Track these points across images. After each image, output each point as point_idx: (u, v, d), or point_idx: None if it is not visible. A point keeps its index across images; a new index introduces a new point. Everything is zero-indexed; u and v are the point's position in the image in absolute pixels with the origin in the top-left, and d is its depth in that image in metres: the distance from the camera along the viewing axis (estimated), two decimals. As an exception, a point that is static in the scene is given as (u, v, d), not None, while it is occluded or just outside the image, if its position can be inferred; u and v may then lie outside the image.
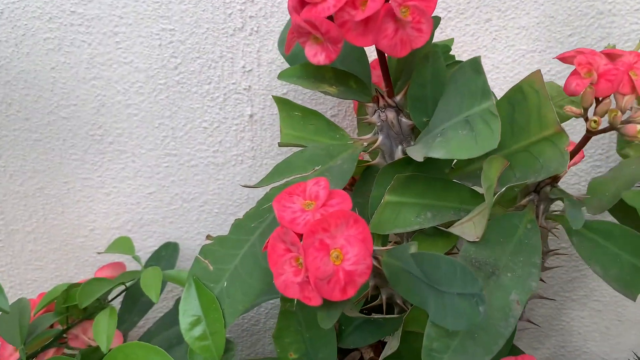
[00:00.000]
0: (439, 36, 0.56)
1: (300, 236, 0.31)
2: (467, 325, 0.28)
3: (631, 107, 0.33)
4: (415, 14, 0.32)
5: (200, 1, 0.54)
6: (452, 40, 0.51)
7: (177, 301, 0.56)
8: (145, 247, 0.63)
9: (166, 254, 0.58)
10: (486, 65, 0.57)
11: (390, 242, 0.42)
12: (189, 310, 0.37)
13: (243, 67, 0.56)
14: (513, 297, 0.32)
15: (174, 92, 0.56)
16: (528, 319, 0.47)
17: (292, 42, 0.35)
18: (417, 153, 0.34)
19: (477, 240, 0.33)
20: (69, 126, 0.57)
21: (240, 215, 0.63)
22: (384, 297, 0.39)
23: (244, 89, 0.57)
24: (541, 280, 0.62)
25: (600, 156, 0.59)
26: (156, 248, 0.61)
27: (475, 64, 0.34)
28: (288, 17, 0.54)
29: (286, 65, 0.55)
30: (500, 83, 0.57)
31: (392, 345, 0.37)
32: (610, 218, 0.45)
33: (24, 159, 0.58)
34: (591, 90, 0.33)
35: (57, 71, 0.55)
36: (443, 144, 0.32)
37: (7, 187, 0.58)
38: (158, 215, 0.61)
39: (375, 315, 0.38)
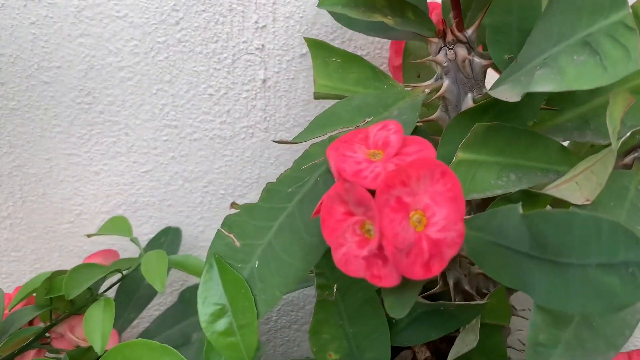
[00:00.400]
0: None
1: (373, 194, 0.23)
2: (610, 309, 0.21)
3: None
4: None
5: None
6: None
7: (182, 294, 0.49)
8: (141, 234, 0.56)
9: (166, 240, 0.52)
10: None
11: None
12: (211, 298, 0.29)
13: (256, 22, 0.49)
14: (639, 274, 0.24)
15: (174, 52, 0.49)
16: None
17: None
18: (509, 92, 0.27)
19: (588, 203, 0.26)
20: (52, 92, 0.50)
21: (252, 196, 0.55)
22: (450, 283, 0.31)
23: (257, 48, 0.50)
24: None
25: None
26: (153, 235, 0.55)
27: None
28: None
29: (306, 19, 0.48)
30: None
31: (469, 340, 0.30)
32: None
33: (-2, 131, 0.51)
34: None
35: (37, 27, 0.48)
36: (550, 76, 0.25)
37: (-22, 164, 0.52)
38: (155, 198, 0.55)
39: (445, 303, 0.31)
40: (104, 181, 0.53)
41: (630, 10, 0.23)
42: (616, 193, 0.28)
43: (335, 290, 0.34)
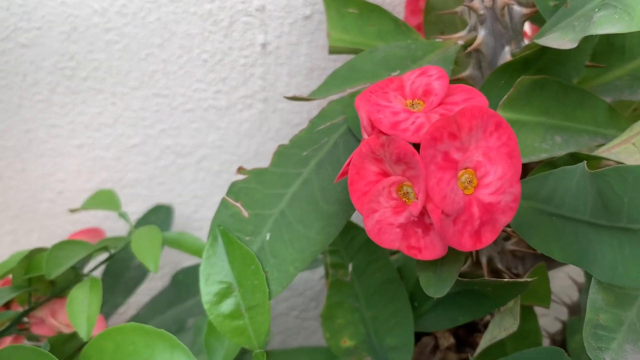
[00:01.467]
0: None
1: (418, 147, 0.19)
2: None
3: None
4: None
5: None
6: None
7: (174, 277, 0.46)
8: (129, 213, 0.53)
9: (157, 219, 0.49)
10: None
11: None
12: (215, 275, 0.25)
13: (256, -20, 0.46)
14: None
15: (166, 12, 0.46)
16: None
17: None
18: (561, 39, 0.23)
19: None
20: (31, 57, 0.47)
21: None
22: (484, 260, 0.28)
23: (256, 9, 0.46)
24: None
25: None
26: (141, 215, 0.52)
27: None
28: None
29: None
30: None
31: (507, 324, 0.26)
32: None
33: (-29, 99, 0.48)
34: None
35: None
36: (615, 16, 0.22)
37: (-51, 136, 0.49)
38: (144, 174, 0.52)
39: (482, 281, 0.28)
40: (87, 155, 0.51)
41: None
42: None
43: (350, 269, 0.31)
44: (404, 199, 0.21)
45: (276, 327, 0.58)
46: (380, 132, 0.20)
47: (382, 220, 0.21)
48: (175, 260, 0.54)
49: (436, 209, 0.19)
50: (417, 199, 0.20)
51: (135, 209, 0.53)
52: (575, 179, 0.21)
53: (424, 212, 0.20)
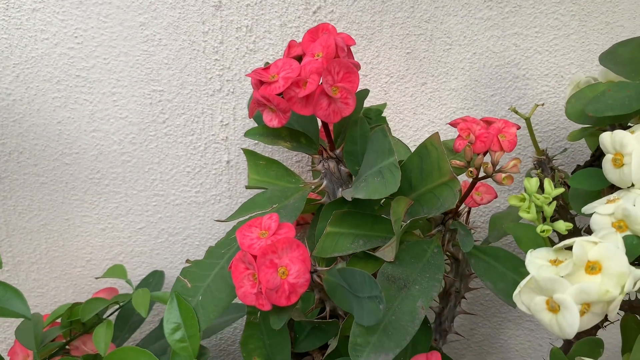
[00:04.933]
0: (383, 97, 0.66)
1: (255, 257, 0.41)
2: (375, 321, 0.38)
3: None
4: (343, 92, 0.43)
5: (185, 67, 0.64)
6: (384, 104, 0.62)
7: (161, 321, 0.65)
8: (135, 275, 0.70)
9: (153, 280, 0.66)
10: (423, 120, 0.68)
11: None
12: (171, 319, 0.46)
13: (221, 121, 0.65)
14: (419, 303, 0.42)
15: (162, 142, 0.65)
16: (456, 332, 0.57)
17: (253, 109, 0.46)
18: (348, 194, 0.45)
19: (392, 260, 0.43)
20: (71, 171, 0.65)
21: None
22: (327, 309, 0.49)
23: (222, 139, 0.66)
24: (480, 302, 0.72)
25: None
26: (145, 276, 0.69)
27: (383, 131, 0.45)
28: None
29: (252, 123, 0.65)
30: (436, 135, 0.68)
31: (332, 345, 0.47)
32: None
33: (31, 199, 0.65)
34: (469, 148, 0.43)
35: (62, 124, 0.63)
36: (364, 188, 0.43)
37: (15, 223, 0.66)
38: (147, 248, 0.69)
39: (315, 320, 0.48)
40: (108, 235, 0.67)
41: (397, 157, 0.41)
42: (418, 254, 0.45)
43: (259, 315, 0.51)
44: (255, 281, 0.41)
45: (214, 352, 0.74)
46: (242, 249, 0.41)
47: (246, 291, 0.41)
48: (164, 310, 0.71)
49: (264, 287, 0.40)
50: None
51: (141, 272, 0.70)
52: (357, 274, 0.41)
53: (261, 288, 0.40)
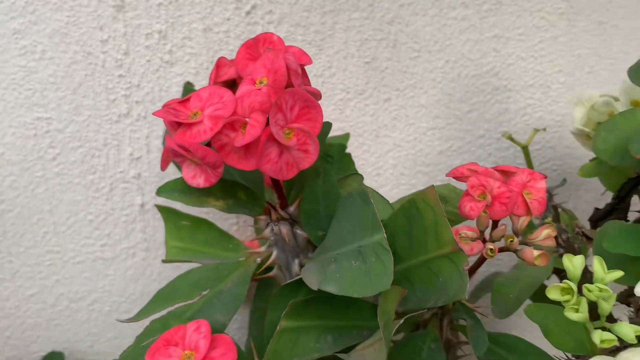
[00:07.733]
0: (338, 116, 0.54)
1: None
2: None
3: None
4: (300, 135, 0.29)
5: (79, 87, 0.50)
6: (347, 135, 0.50)
7: None
8: (30, 353, 0.57)
9: None
10: (387, 144, 0.55)
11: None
12: None
13: (131, 154, 0.52)
14: None
15: (53, 184, 0.52)
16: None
17: (167, 160, 0.32)
18: (313, 279, 0.31)
19: (380, 367, 0.30)
20: None
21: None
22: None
23: (133, 177, 0.53)
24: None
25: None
26: (42, 354, 0.56)
27: (363, 195, 0.32)
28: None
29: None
30: (402, 161, 0.56)
31: None
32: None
33: None
34: (486, 215, 0.31)
35: None
36: (337, 277, 0.30)
37: None
38: (42, 319, 0.56)
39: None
40: None
41: (385, 234, 0.28)
42: (411, 354, 0.32)
43: None
44: None
45: None
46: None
47: None
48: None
49: None
50: None
51: (36, 348, 0.56)
52: None
53: None
